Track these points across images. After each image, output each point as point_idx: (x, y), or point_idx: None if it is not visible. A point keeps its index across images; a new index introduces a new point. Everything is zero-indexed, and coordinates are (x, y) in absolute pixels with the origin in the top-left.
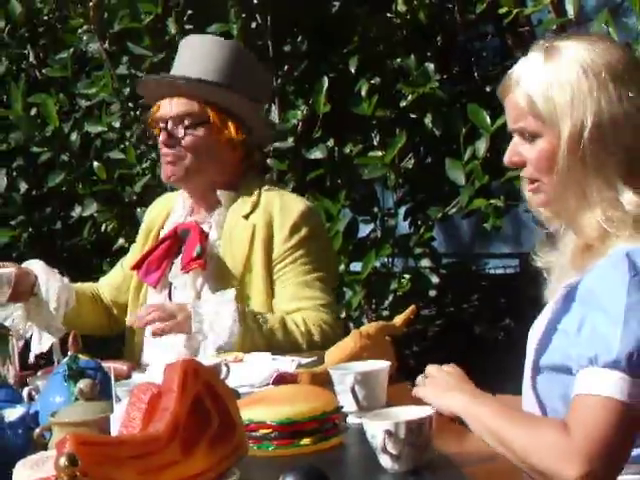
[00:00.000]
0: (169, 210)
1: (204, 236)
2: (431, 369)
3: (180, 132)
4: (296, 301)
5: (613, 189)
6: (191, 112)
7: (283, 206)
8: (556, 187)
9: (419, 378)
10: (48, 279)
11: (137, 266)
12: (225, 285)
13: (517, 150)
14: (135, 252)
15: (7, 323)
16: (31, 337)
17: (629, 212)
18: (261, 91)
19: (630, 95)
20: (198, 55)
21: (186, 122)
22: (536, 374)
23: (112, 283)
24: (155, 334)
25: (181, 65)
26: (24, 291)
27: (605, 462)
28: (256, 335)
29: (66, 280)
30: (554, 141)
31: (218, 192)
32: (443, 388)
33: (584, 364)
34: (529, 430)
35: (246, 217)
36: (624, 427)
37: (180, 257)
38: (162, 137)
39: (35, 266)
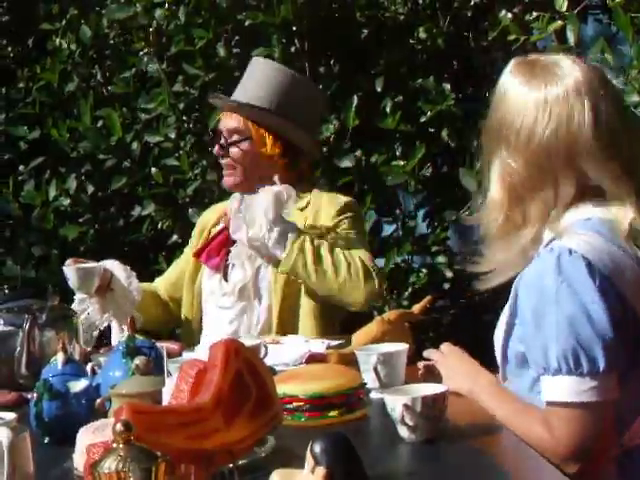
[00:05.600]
0: (221, 213)
1: None
2: (444, 347)
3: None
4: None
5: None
6: (237, 128)
7: (330, 197)
8: None
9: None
10: (129, 276)
11: (198, 254)
12: None
13: None
14: (188, 252)
15: (83, 316)
16: (105, 328)
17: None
18: (308, 115)
19: (585, 112)
20: (254, 79)
21: (234, 137)
22: (504, 373)
23: (169, 280)
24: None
25: (241, 85)
26: (102, 286)
27: (582, 451)
28: (307, 242)
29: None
30: None
31: None
32: (455, 372)
33: (541, 372)
34: (523, 423)
35: (301, 210)
36: (595, 422)
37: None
38: (215, 148)
39: (112, 265)
